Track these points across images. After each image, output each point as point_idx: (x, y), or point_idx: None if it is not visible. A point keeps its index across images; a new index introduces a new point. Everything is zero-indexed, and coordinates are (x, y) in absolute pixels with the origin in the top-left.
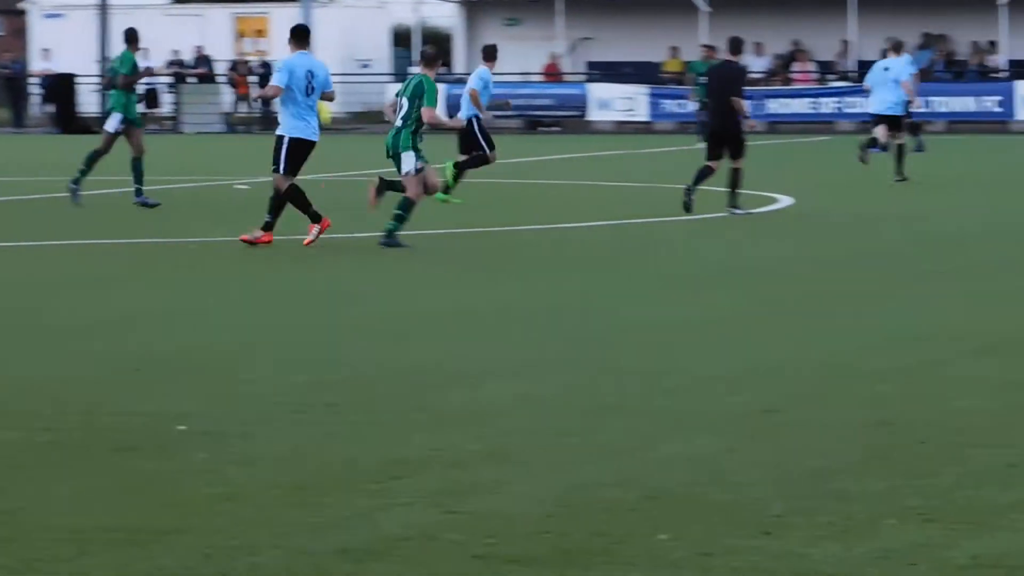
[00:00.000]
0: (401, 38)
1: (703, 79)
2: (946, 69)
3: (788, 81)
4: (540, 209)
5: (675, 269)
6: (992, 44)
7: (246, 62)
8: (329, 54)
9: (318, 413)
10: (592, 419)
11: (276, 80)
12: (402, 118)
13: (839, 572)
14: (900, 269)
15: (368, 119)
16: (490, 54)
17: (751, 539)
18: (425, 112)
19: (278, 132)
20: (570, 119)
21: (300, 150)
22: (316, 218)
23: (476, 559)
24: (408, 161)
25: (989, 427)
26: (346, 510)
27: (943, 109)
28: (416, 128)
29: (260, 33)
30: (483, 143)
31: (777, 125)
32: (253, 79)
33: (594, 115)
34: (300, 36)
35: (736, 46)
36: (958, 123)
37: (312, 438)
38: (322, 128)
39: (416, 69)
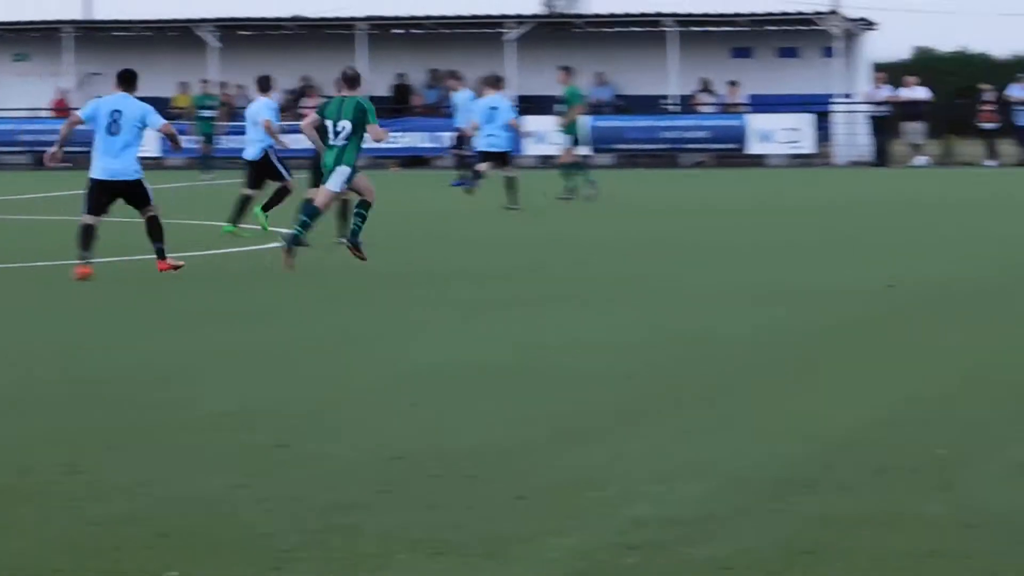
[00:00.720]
0: None
1: (206, 113)
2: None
3: (299, 116)
4: (48, 245)
5: (192, 305)
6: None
7: None
8: None
9: None
10: (103, 455)
11: (77, 112)
12: (345, 138)
13: None
14: (434, 298)
15: None
16: (267, 85)
17: (261, 574)
18: (377, 132)
19: None
20: (81, 155)
21: (97, 189)
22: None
23: None
24: (339, 177)
25: (501, 461)
26: None
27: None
28: (359, 146)
29: None
30: (284, 173)
31: (289, 160)
32: None
33: None
34: (120, 78)
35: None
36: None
37: None
38: None
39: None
